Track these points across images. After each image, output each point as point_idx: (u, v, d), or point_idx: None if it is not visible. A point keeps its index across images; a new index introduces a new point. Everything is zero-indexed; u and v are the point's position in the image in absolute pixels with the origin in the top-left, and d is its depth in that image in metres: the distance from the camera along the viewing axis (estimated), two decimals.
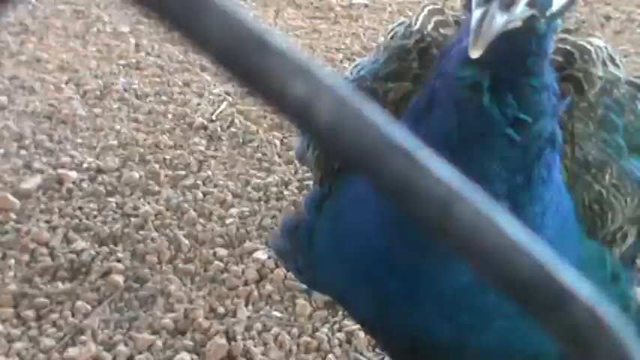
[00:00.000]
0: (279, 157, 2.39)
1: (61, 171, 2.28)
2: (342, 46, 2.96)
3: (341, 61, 2.86)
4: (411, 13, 2.89)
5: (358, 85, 1.26)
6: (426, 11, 1.28)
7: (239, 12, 0.29)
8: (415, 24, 1.27)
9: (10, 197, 2.17)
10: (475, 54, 0.79)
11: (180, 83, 2.73)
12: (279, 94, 0.30)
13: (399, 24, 1.31)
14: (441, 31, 1.25)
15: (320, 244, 1.17)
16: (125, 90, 2.66)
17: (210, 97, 2.65)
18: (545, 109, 0.93)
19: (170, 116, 2.55)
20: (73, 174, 2.28)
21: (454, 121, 0.93)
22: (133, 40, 2.97)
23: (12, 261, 1.97)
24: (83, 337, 1.79)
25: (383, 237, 1.03)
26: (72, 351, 1.76)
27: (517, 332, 1.01)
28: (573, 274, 0.31)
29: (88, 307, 1.87)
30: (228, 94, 2.66)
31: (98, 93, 2.65)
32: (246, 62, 0.30)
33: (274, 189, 2.25)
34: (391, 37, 1.29)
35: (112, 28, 3.05)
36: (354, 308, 1.23)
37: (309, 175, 2.24)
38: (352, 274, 1.12)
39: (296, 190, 2.26)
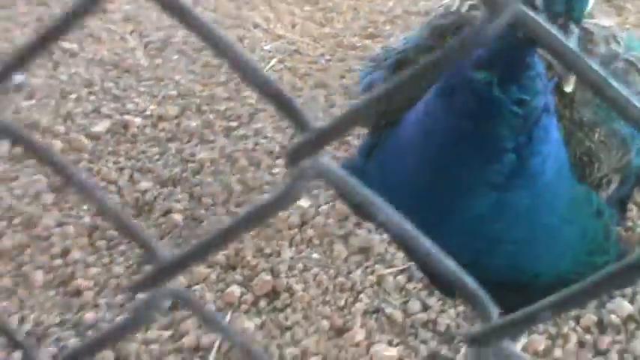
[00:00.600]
0: (323, 112, 2.62)
1: (126, 117, 2.54)
2: (385, 9, 3.16)
3: (383, 23, 3.06)
4: None
5: (405, 55, 1.52)
6: None
7: None
8: (453, 5, 1.55)
9: (84, 139, 2.44)
10: (569, 88, 1.04)
11: (234, 38, 2.96)
12: None
13: (441, 5, 1.58)
14: (473, 13, 1.51)
15: (369, 184, 1.43)
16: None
17: (261, 53, 2.88)
18: (538, 89, 1.18)
19: (223, 69, 2.79)
20: (138, 120, 2.54)
21: (473, 103, 1.19)
22: None
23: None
24: (147, 267, 2.06)
25: (418, 179, 1.29)
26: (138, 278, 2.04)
27: (521, 255, 1.28)
28: None
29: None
30: (277, 50, 2.89)
31: (159, 44, 2.90)
32: None
33: None
34: (434, 16, 1.56)
35: None
36: None
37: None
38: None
39: (336, 144, 2.50)
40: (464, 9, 1.54)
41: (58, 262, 2.05)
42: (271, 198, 0.47)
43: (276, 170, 2.37)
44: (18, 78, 2.68)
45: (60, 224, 2.16)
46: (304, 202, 2.26)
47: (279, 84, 0.45)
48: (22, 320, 1.90)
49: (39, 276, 2.00)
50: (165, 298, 0.54)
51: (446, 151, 1.21)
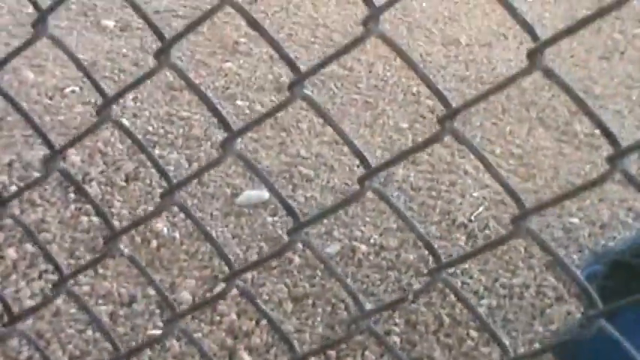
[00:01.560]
0: (522, 262, 2.97)
1: (354, 243, 2.97)
2: (582, 172, 3.51)
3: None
4: None
5: (622, 256, 1.84)
6: None
7: None
8: None
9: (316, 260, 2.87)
10: None
11: (447, 182, 3.37)
12: None
13: None
14: None
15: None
16: (403, 181, 3.33)
17: (470, 199, 3.28)
18: None
19: (437, 210, 3.19)
20: (363, 247, 2.96)
21: None
22: (410, 136, 3.65)
23: (319, 309, 2.66)
24: None
25: None
26: None
27: None
28: None
29: (372, 356, 2.53)
30: (485, 198, 3.27)
31: (382, 180, 3.34)
32: None
33: (517, 289, 2.84)
34: None
35: (395, 122, 3.74)
36: None
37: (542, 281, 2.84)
38: None
39: (534, 294, 2.83)
40: None
41: None
42: None
43: (480, 309, 2.73)
44: (264, 195, 3.18)
45: (297, 331, 2.58)
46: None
47: None
48: None
49: None
50: None
51: None
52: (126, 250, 1.21)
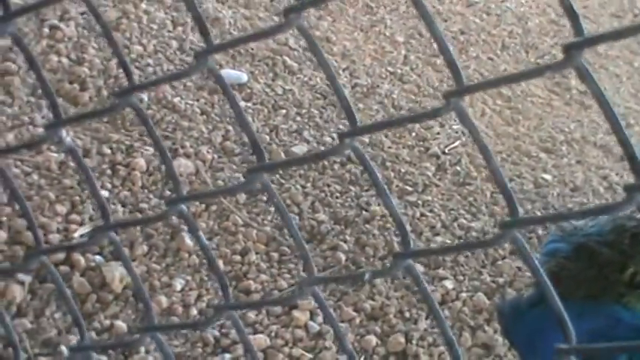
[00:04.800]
0: (486, 207, 2.90)
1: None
2: (566, 129, 3.42)
3: (561, 143, 3.32)
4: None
5: (586, 240, 1.76)
6: None
7: None
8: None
9: (283, 155, 2.77)
10: None
11: (429, 107, 3.25)
12: None
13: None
14: None
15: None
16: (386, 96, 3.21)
17: (449, 130, 3.17)
18: None
19: (413, 134, 3.09)
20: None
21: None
22: (403, 52, 3.51)
23: (272, 208, 2.58)
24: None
25: None
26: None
27: None
28: None
29: (315, 268, 2.45)
30: (464, 133, 3.17)
31: (365, 90, 3.22)
32: None
33: (474, 233, 2.78)
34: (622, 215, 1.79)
35: (391, 33, 3.60)
36: None
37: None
38: None
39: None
40: None
41: (237, 258, 2.40)
42: None
43: (432, 245, 2.66)
44: (242, 77, 3.04)
45: (245, 225, 2.50)
46: (449, 284, 2.55)
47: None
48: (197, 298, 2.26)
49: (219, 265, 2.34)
50: None
51: None
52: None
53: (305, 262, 0.82)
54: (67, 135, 0.91)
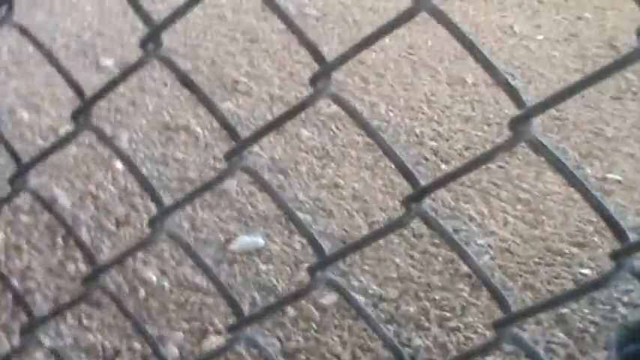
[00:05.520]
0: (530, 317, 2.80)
1: (352, 294, 2.82)
2: (593, 219, 3.35)
3: (591, 234, 3.25)
4: None
5: None
6: None
7: None
8: None
9: (313, 309, 2.73)
10: None
11: (450, 229, 3.21)
12: None
13: None
14: None
15: None
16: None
17: (475, 247, 3.12)
18: None
19: (440, 259, 3.04)
20: (361, 298, 2.81)
21: None
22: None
23: None
24: None
25: None
26: None
27: None
28: None
29: None
30: (490, 246, 3.12)
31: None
32: None
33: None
34: None
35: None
36: None
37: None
38: None
39: (543, 350, 2.67)
40: None
41: None
42: None
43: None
44: (259, 242, 3.04)
45: None
46: None
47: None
48: None
49: None
50: None
51: None
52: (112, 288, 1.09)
53: None
54: None
